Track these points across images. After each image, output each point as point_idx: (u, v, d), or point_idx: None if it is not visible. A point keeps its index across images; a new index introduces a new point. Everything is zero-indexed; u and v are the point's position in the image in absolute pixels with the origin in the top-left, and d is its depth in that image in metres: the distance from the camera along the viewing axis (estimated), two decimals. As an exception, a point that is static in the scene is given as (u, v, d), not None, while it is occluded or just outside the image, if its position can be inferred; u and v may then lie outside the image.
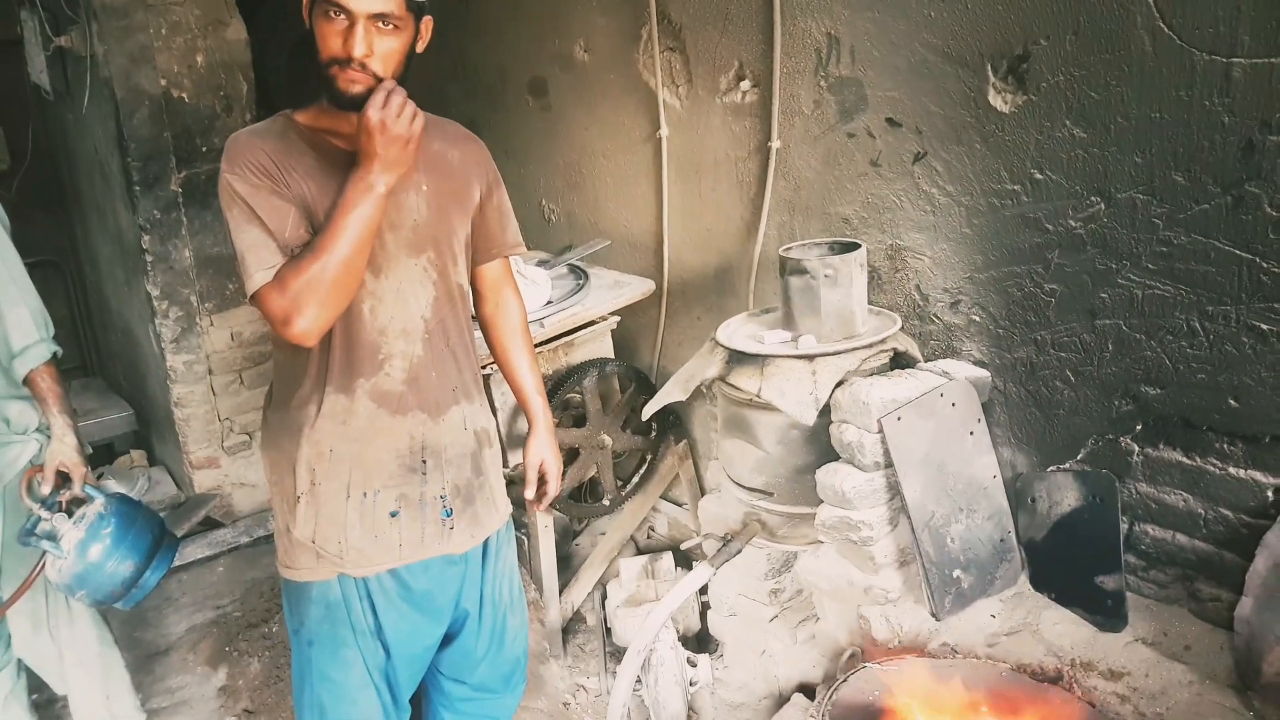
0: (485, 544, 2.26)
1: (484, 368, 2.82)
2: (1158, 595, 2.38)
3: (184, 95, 3.96)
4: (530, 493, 2.41)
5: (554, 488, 2.43)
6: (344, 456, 2.02)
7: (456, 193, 2.10)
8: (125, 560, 2.45)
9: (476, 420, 2.19)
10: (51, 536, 2.39)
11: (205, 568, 3.89)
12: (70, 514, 2.44)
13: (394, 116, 1.75)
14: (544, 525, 3.22)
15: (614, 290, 3.21)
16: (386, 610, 2.11)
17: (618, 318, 3.24)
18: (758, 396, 2.60)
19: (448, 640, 2.34)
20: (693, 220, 3.42)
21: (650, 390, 2.99)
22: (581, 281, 3.20)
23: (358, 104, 1.79)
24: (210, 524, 4.11)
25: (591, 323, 3.13)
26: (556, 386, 3.07)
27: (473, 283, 2.27)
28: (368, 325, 1.99)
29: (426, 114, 2.04)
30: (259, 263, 1.84)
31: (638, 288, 3.23)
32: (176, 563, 3.77)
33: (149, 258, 3.97)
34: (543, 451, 2.39)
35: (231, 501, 4.23)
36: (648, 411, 2.89)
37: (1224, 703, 2.08)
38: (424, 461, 2.08)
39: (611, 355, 3.27)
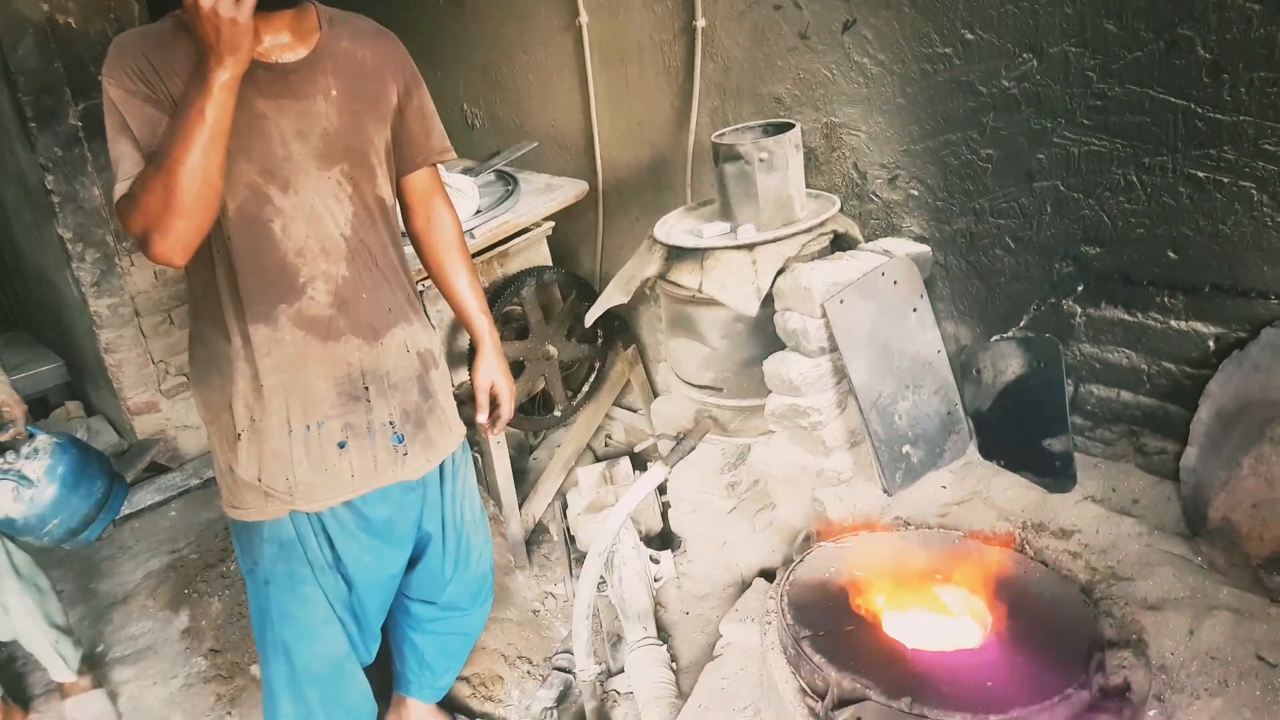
0: (442, 466, 2.21)
1: (418, 283, 2.73)
2: (1105, 453, 2.41)
3: (71, 21, 3.67)
4: (482, 416, 2.32)
5: (507, 410, 2.34)
6: (277, 389, 1.93)
7: (371, 96, 1.92)
8: (90, 490, 2.40)
9: (418, 342, 2.10)
10: (14, 473, 2.31)
11: (157, 514, 3.80)
12: (19, 453, 2.36)
13: None
14: (497, 441, 3.17)
15: (546, 194, 3.09)
16: (345, 543, 2.07)
17: (552, 223, 3.14)
18: (699, 292, 2.54)
19: (412, 564, 2.31)
20: (622, 113, 3.29)
21: (592, 296, 2.91)
22: (511, 187, 3.07)
23: None
24: (157, 469, 4.01)
25: (525, 230, 3.03)
26: (494, 299, 2.97)
27: (400, 195, 2.12)
28: (281, 246, 1.86)
29: (331, 9, 1.88)
30: (121, 174, 1.70)
31: (571, 190, 3.11)
32: (126, 510, 3.70)
33: (56, 199, 3.74)
34: (492, 372, 2.30)
35: (177, 445, 4.12)
36: (590, 317, 2.82)
37: (1172, 550, 2.12)
38: (366, 389, 2.00)
39: (549, 263, 3.17)
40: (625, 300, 2.73)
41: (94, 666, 2.99)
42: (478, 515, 2.39)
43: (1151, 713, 1.84)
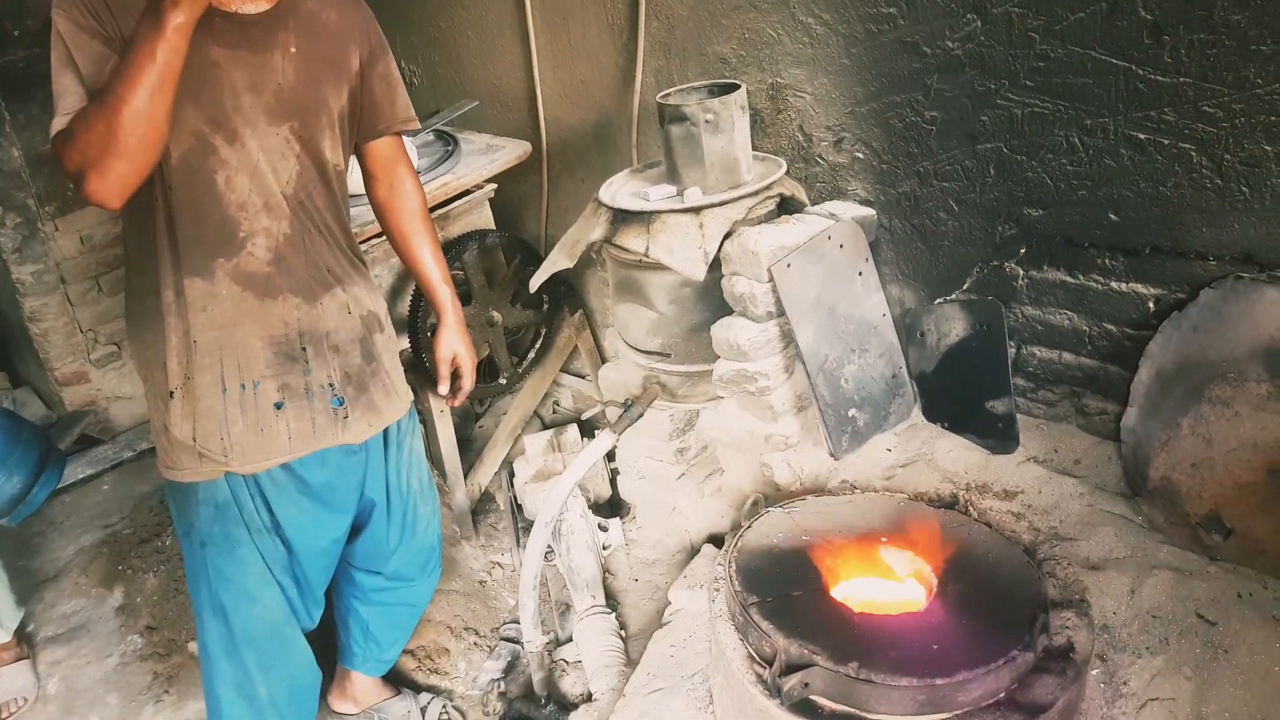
0: (387, 433, 2.16)
1: (362, 242, 2.63)
2: (1047, 414, 2.41)
3: (-15, -25, 3.44)
4: (444, 387, 2.31)
5: (469, 382, 2.33)
6: (211, 346, 1.87)
7: (331, 59, 1.88)
8: (23, 461, 2.29)
9: (362, 304, 2.05)
10: None
11: (89, 487, 3.65)
12: None
13: None
14: (440, 410, 3.09)
15: (487, 155, 2.99)
16: (283, 506, 2.01)
17: (495, 185, 3.04)
18: (646, 256, 2.48)
19: (356, 532, 2.26)
20: (565, 72, 3.19)
21: (537, 261, 2.83)
22: (451, 148, 2.96)
23: None
24: (89, 441, 3.85)
25: (467, 192, 2.93)
26: (436, 263, 2.87)
27: (363, 163, 2.13)
28: (223, 199, 1.80)
29: None
30: (61, 109, 1.63)
31: (513, 150, 3.01)
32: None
33: (-30, 161, 3.53)
34: (454, 344, 2.28)
35: (109, 416, 3.96)
36: (535, 282, 2.75)
37: (1113, 510, 2.14)
38: (304, 349, 1.93)
39: (492, 226, 3.08)
40: (570, 265, 2.66)
41: (23, 642, 2.88)
42: (425, 484, 2.34)
43: (1094, 672, 1.86)
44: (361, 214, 2.53)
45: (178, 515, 2.05)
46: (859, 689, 1.72)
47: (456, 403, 2.39)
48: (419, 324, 2.78)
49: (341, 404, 2.00)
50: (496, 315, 3.02)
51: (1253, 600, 1.82)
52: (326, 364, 1.98)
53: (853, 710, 1.75)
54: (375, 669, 2.57)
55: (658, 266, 2.48)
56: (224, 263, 1.84)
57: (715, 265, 2.44)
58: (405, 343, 2.88)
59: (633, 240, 2.48)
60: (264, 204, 1.84)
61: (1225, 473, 2.01)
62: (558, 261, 2.68)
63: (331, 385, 1.99)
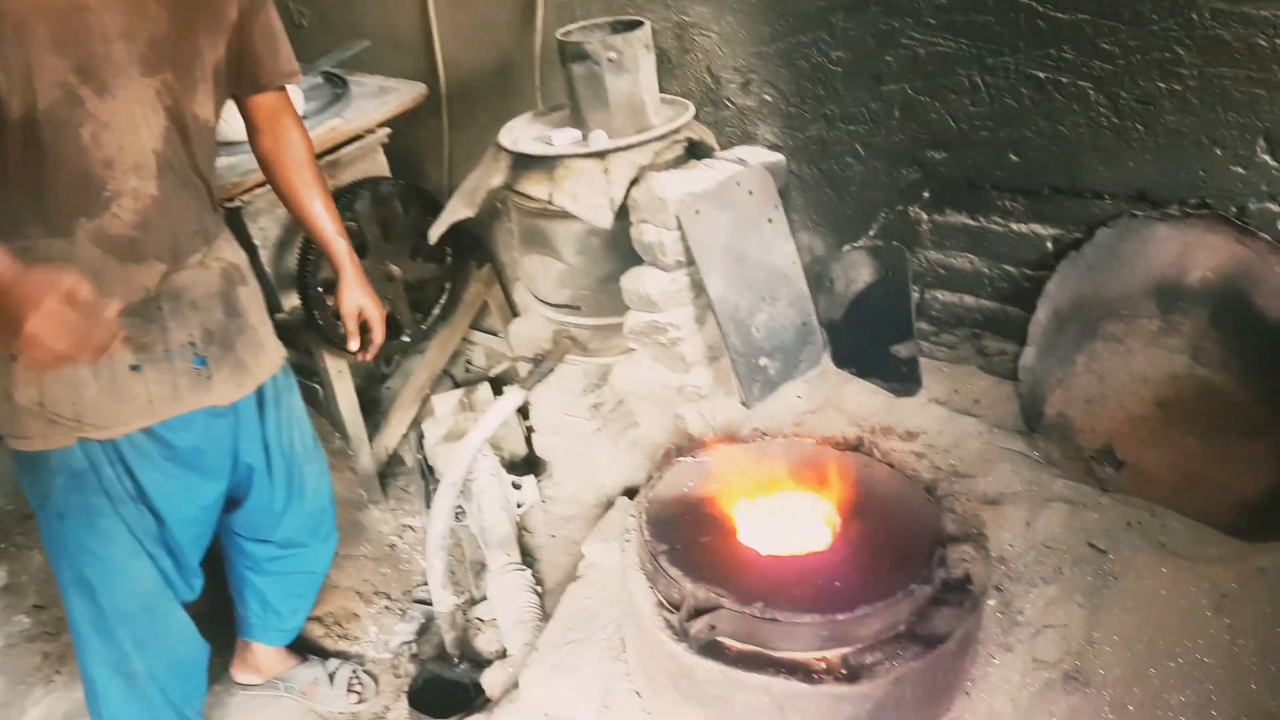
0: (262, 392, 2.13)
1: (230, 201, 2.58)
2: (949, 356, 2.53)
3: None
4: (354, 344, 2.31)
5: (379, 334, 2.33)
6: None
7: (209, 7, 1.82)
8: None
9: (222, 255, 2.01)
10: None
11: (-38, 465, 3.52)
12: None
13: None
14: (338, 370, 3.07)
15: (380, 98, 2.94)
16: (147, 472, 1.96)
17: (388, 130, 2.99)
18: (550, 204, 2.49)
19: (240, 500, 2.23)
20: (463, 9, 3.14)
21: (438, 211, 2.80)
22: (340, 91, 2.90)
23: None
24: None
25: (358, 137, 2.88)
26: (328, 214, 2.82)
27: (246, 115, 2.10)
28: (88, 155, 1.72)
29: None
30: None
31: (407, 93, 2.97)
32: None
33: None
34: (357, 298, 2.27)
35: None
36: (434, 233, 2.73)
37: (1011, 447, 2.26)
38: (160, 308, 1.89)
39: (387, 174, 3.04)
40: (472, 213, 2.65)
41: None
42: (309, 444, 2.32)
43: (991, 603, 1.98)
44: (243, 162, 2.48)
45: (29, 488, 1.98)
46: (764, 628, 1.81)
47: (368, 357, 2.39)
48: (309, 278, 2.74)
49: (204, 364, 1.95)
50: (395, 269, 2.99)
51: (1142, 529, 1.96)
52: (186, 322, 1.93)
53: (759, 649, 1.83)
54: (278, 639, 2.57)
55: (563, 215, 2.49)
56: (86, 223, 1.77)
57: (623, 213, 2.46)
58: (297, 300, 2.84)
59: (536, 187, 2.48)
60: (133, 162, 1.77)
61: (1117, 407, 2.14)
62: (457, 210, 2.67)
63: (192, 344, 1.94)
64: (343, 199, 2.82)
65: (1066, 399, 2.23)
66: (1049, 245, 2.24)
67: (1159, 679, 1.71)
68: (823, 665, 1.81)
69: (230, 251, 2.04)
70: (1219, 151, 1.92)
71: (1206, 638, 1.70)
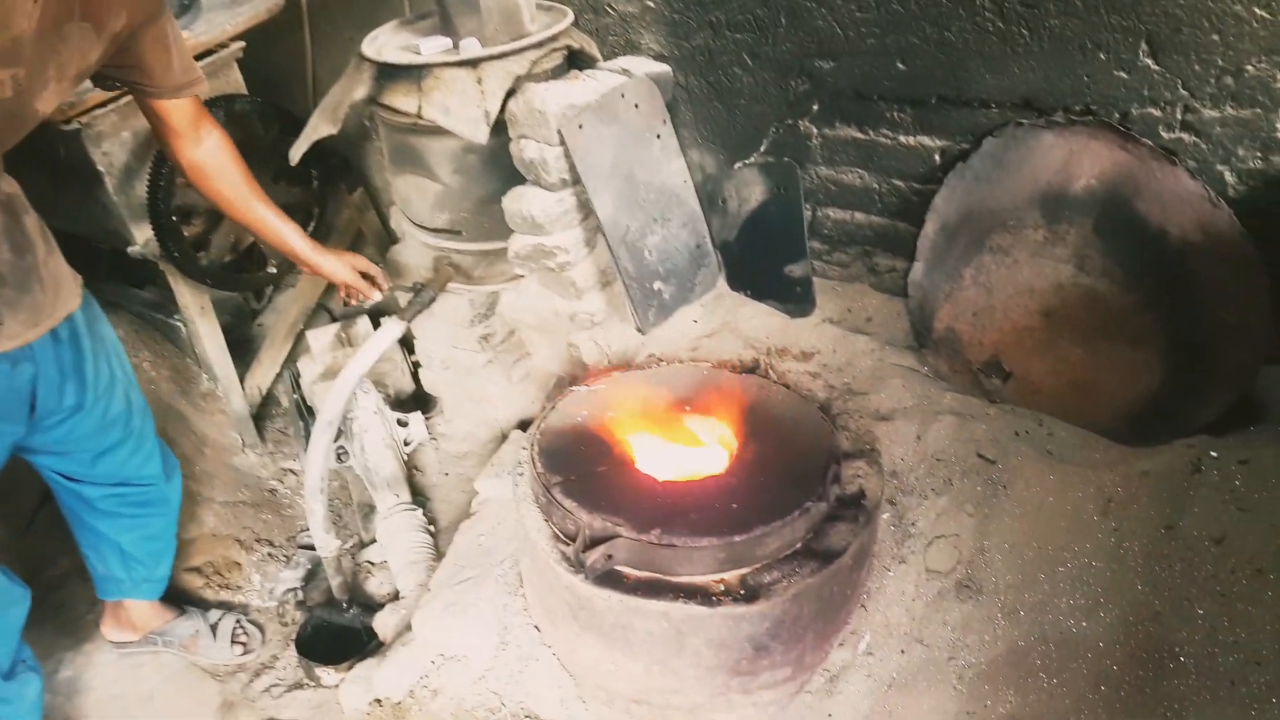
0: (74, 324, 1.98)
1: (68, 123, 2.36)
2: (841, 275, 2.53)
3: None
4: (376, 295, 2.44)
5: (377, 269, 2.43)
6: None
7: (91, 16, 1.71)
8: None
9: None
10: None
11: None
12: None
13: None
14: (200, 306, 2.88)
15: (231, 10, 2.71)
16: None
17: (243, 44, 2.76)
18: (420, 118, 2.35)
19: (59, 448, 2.10)
20: (322, -87, 2.92)
21: (300, 131, 2.62)
22: (188, 2, 2.66)
23: None
24: None
25: (209, 52, 2.65)
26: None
27: (152, 119, 2.04)
28: None
29: None
30: None
31: (261, 4, 2.74)
32: None
33: None
34: (342, 270, 2.36)
35: None
36: (295, 153, 2.55)
37: (901, 363, 2.28)
38: None
39: (243, 91, 2.82)
40: (334, 130, 2.49)
41: None
42: (129, 372, 2.22)
43: (885, 516, 2.01)
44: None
45: None
46: (661, 554, 1.79)
47: (385, 290, 2.48)
48: (162, 207, 2.53)
49: None
50: (260, 195, 2.80)
51: (1029, 437, 2.01)
52: None
53: (657, 575, 1.82)
54: (149, 591, 2.44)
55: (436, 130, 2.36)
56: None
57: (502, 128, 2.35)
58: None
59: (403, 100, 2.34)
60: None
61: (1004, 319, 2.18)
62: (319, 128, 2.50)
63: None
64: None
65: (954, 313, 2.25)
66: (937, 158, 2.24)
67: (1049, 584, 1.76)
68: (721, 587, 1.81)
69: (7, 184, 1.85)
70: (1102, 56, 1.93)
71: (1094, 541, 1.76)
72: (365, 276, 2.42)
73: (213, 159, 2.10)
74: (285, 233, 2.24)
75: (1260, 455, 1.70)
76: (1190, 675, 1.54)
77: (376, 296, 2.45)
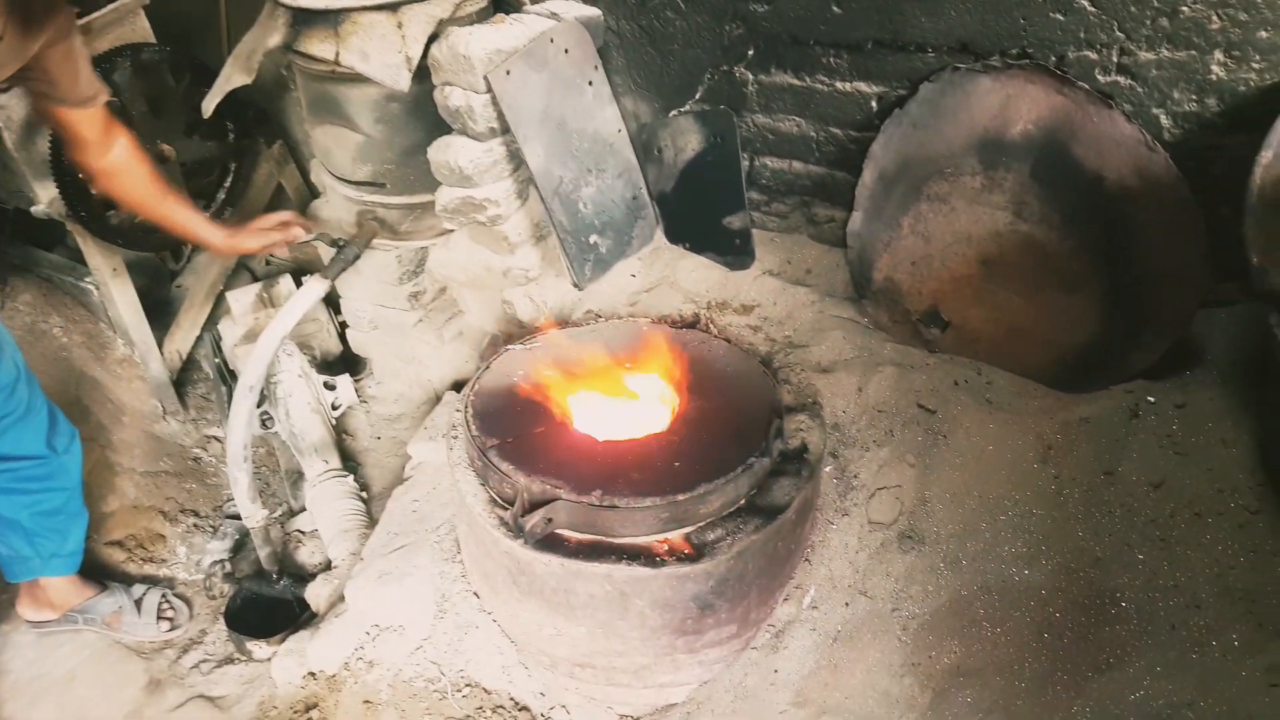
0: None
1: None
2: (780, 226, 2.46)
3: None
4: (301, 234, 2.37)
5: (295, 216, 2.38)
6: None
7: (13, 47, 1.74)
8: None
9: None
10: None
11: None
12: None
13: None
14: (113, 268, 2.70)
15: (132, -50, 2.50)
16: None
17: (148, -13, 2.56)
18: (338, 65, 2.21)
19: None
20: None
21: (210, 78, 2.45)
22: (82, -60, 2.45)
23: None
24: None
25: (110, -2, 2.45)
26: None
27: (59, 128, 2.03)
28: None
29: None
30: None
31: (165, -56, 2.54)
32: None
33: None
34: (257, 234, 2.32)
35: None
36: (207, 105, 2.38)
37: (841, 314, 2.23)
38: None
39: (150, 40, 2.61)
40: (248, 79, 2.33)
41: None
42: (11, 339, 2.10)
43: (828, 469, 1.97)
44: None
45: None
46: (603, 516, 1.72)
47: (309, 230, 2.41)
48: (64, 161, 2.35)
49: None
50: (167, 149, 2.61)
51: (968, 386, 1.98)
52: None
53: (599, 538, 1.76)
54: (62, 566, 2.31)
55: (355, 78, 2.23)
56: None
57: (425, 75, 2.21)
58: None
59: (319, 46, 2.18)
60: None
61: (943, 268, 2.13)
62: (233, 78, 2.34)
63: None
64: (99, 68, 2.40)
65: (893, 263, 2.20)
66: (874, 105, 2.17)
67: (990, 532, 1.74)
68: (665, 547, 1.76)
69: None
70: (1039, -3, 1.87)
71: (1034, 489, 1.74)
72: (285, 228, 2.34)
73: (120, 162, 2.07)
74: (197, 225, 2.22)
75: (1197, 399, 1.69)
76: (1131, 620, 1.53)
77: (302, 235, 2.37)
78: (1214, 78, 1.78)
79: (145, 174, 2.12)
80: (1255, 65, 1.74)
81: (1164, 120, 1.85)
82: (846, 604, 1.82)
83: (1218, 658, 1.43)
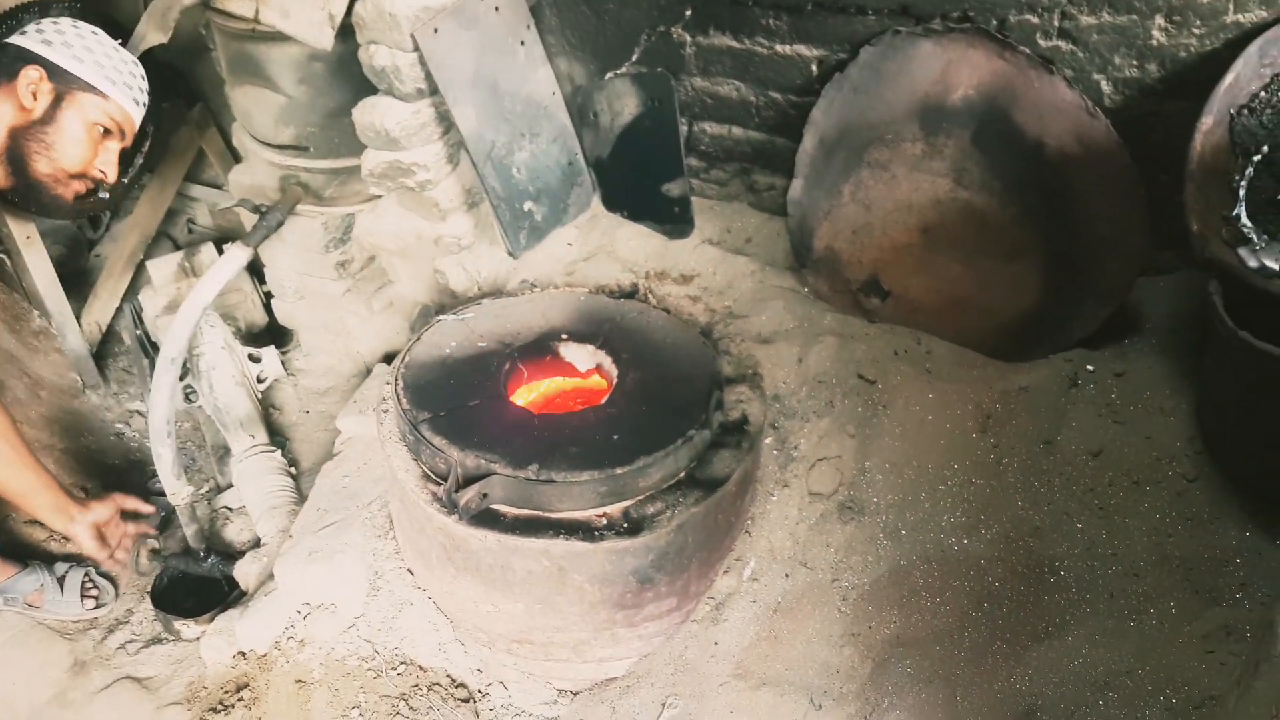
0: None
1: None
2: (720, 194, 2.36)
3: None
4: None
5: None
6: None
7: None
8: None
9: None
10: None
11: None
12: None
13: None
14: (26, 236, 2.49)
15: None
16: None
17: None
18: (258, 23, 2.05)
19: None
20: None
21: (127, 39, 2.26)
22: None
23: None
24: None
25: (2, -58, 2.23)
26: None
27: None
28: None
29: None
30: None
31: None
32: None
33: None
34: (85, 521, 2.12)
35: None
36: (119, 63, 2.19)
37: (782, 284, 2.15)
38: None
39: (55, -6, 2.40)
40: (164, 39, 2.17)
41: None
42: None
43: (768, 441, 1.90)
44: None
45: None
46: (540, 490, 1.63)
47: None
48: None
49: None
50: (79, 110, 2.41)
51: (908, 356, 1.92)
52: None
53: (536, 513, 1.67)
54: None
55: (276, 36, 2.08)
56: None
57: (349, 33, 2.06)
58: None
59: (238, 2, 2.02)
60: None
61: (883, 236, 2.06)
62: (148, 36, 2.17)
63: None
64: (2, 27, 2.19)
65: (834, 231, 2.12)
66: (814, 68, 2.08)
67: (929, 502, 1.69)
68: (603, 521, 1.67)
69: None
70: (981, -40, 1.79)
71: (973, 459, 1.69)
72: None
73: None
74: (43, 496, 2.03)
75: (1136, 367, 1.65)
76: (1070, 589, 1.49)
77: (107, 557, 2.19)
78: (1155, 43, 1.72)
79: (6, 434, 1.92)
80: (1196, 30, 1.68)
81: (1105, 86, 1.80)
82: (786, 575, 1.76)
83: (1155, 625, 1.40)
